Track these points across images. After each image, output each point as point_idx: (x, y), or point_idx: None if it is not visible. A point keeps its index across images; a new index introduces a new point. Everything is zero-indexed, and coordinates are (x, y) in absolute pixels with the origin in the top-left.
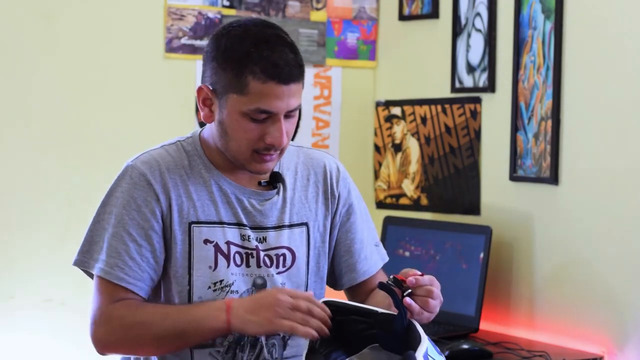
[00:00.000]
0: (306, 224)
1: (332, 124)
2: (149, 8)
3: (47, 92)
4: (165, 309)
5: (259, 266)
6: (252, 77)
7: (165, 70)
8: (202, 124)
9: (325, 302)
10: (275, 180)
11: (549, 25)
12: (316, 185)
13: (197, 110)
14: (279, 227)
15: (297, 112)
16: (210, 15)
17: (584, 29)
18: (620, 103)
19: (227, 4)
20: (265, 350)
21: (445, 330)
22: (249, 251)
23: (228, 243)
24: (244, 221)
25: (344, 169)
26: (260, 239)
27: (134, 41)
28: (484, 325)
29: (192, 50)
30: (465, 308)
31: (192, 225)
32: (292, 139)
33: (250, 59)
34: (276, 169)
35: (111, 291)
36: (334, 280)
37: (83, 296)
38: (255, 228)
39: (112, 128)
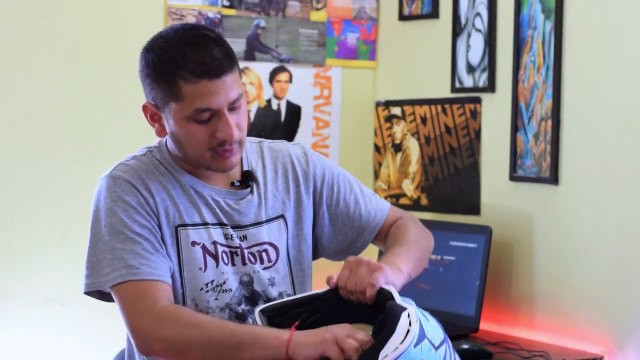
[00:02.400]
0: (282, 216)
1: (332, 124)
2: (149, 8)
3: (47, 92)
4: (220, 325)
5: (244, 264)
6: (183, 82)
7: None
8: None
9: (262, 310)
10: (248, 179)
11: (549, 25)
12: (285, 176)
13: None
14: (258, 224)
15: (243, 103)
16: (210, 15)
17: (584, 29)
18: (620, 103)
19: (227, 4)
20: None
21: (445, 330)
22: (234, 249)
23: (215, 243)
24: (225, 220)
25: (310, 149)
26: (241, 237)
27: (134, 41)
28: (484, 325)
29: None
30: (465, 308)
31: (179, 228)
32: (249, 131)
33: (177, 66)
34: (246, 168)
35: (146, 291)
36: (352, 248)
37: (83, 296)
38: (235, 227)
39: (112, 128)
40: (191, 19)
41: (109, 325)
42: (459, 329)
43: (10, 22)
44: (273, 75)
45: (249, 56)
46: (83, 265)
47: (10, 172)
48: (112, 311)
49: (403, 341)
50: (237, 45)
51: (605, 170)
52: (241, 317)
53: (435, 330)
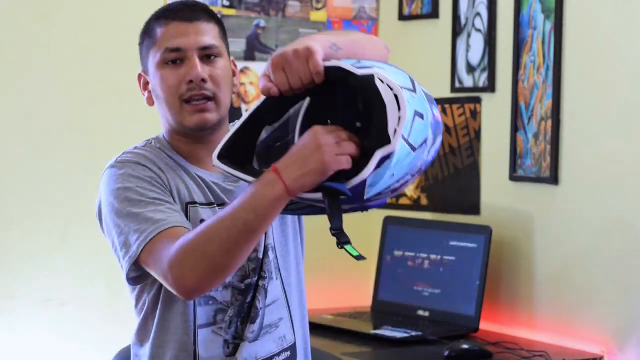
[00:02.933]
0: None
1: None
2: (149, 8)
3: (47, 92)
4: (216, 216)
5: None
6: (158, 26)
7: None
8: None
9: (219, 156)
10: None
11: (549, 25)
12: None
13: None
14: None
15: (223, 61)
16: None
17: (584, 29)
18: (620, 103)
19: (227, 4)
20: (262, 317)
21: (445, 330)
22: None
23: None
24: (227, 201)
25: None
26: None
27: (134, 41)
28: (484, 325)
29: None
30: (465, 308)
31: (189, 205)
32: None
33: (156, 18)
34: None
35: (173, 237)
36: None
37: (83, 296)
38: None
39: (112, 128)
40: None
41: (109, 325)
42: (459, 329)
43: (10, 22)
44: None
45: (249, 56)
46: (118, 256)
47: (11, 172)
48: (112, 311)
49: (400, 109)
50: (237, 45)
51: (605, 170)
52: (244, 293)
53: (399, 75)
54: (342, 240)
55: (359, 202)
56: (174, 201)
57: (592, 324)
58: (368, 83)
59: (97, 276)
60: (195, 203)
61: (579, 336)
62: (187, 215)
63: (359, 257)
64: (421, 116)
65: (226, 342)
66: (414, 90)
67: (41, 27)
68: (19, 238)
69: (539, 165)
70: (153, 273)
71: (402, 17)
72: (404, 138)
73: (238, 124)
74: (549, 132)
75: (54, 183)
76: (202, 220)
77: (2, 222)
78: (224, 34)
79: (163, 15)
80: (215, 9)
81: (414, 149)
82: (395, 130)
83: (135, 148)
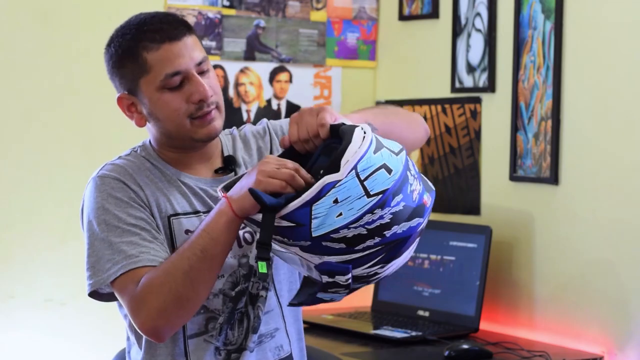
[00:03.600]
0: None
1: None
2: (149, 8)
3: (47, 92)
4: (175, 252)
5: (240, 246)
6: (146, 52)
7: None
8: None
9: (224, 187)
10: (230, 163)
11: (549, 25)
12: (259, 152)
13: None
14: None
15: (210, 67)
16: (210, 15)
17: (584, 29)
18: (620, 103)
19: (227, 4)
20: (253, 322)
21: (445, 330)
22: None
23: None
24: (214, 207)
25: (271, 120)
26: None
27: None
28: (484, 325)
29: None
30: (465, 308)
31: (171, 218)
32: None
33: (137, 40)
34: (226, 154)
35: (140, 275)
36: None
37: (83, 296)
38: None
39: (112, 128)
40: (191, 19)
41: (109, 325)
42: (459, 329)
43: (10, 22)
44: (273, 75)
45: (249, 56)
46: (84, 268)
47: (10, 172)
48: (112, 311)
49: (361, 146)
50: (237, 45)
51: (605, 170)
52: (234, 300)
53: (391, 142)
54: (261, 255)
55: (306, 236)
56: (154, 217)
57: (592, 324)
58: (351, 127)
59: None
60: (178, 214)
61: (579, 336)
62: (170, 229)
63: (263, 275)
64: (388, 170)
65: (217, 349)
66: (396, 154)
67: (41, 27)
68: (19, 238)
69: (539, 165)
70: (123, 303)
71: (402, 17)
72: (356, 172)
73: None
74: (549, 132)
75: (54, 183)
76: (187, 231)
77: (2, 222)
78: (195, 32)
79: (146, 38)
80: (215, 9)
81: (368, 194)
82: (348, 161)
83: (119, 158)
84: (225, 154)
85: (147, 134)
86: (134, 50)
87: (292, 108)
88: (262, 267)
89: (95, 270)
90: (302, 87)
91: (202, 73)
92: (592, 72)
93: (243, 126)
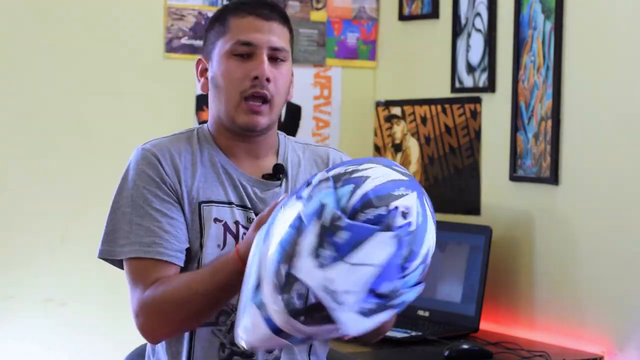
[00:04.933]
0: None
1: (332, 124)
2: (149, 8)
3: (47, 92)
4: (189, 281)
5: None
6: (232, 16)
7: (165, 70)
8: (201, 123)
9: None
10: (278, 172)
11: (549, 25)
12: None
13: (197, 111)
14: None
15: (287, 66)
16: (210, 15)
17: (584, 29)
18: (620, 103)
19: (227, 4)
20: None
21: (445, 330)
22: None
23: (237, 223)
24: (248, 205)
25: (347, 156)
26: None
27: (134, 41)
28: (484, 325)
29: (192, 50)
30: (465, 308)
31: (202, 204)
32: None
33: (231, 9)
34: (280, 161)
35: (151, 270)
36: None
37: (83, 296)
38: (258, 214)
39: (112, 128)
40: (191, 19)
41: (109, 325)
42: (459, 329)
43: (10, 22)
44: None
45: None
46: (101, 231)
47: (10, 172)
48: (112, 311)
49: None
50: None
51: (605, 170)
52: None
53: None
54: None
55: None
56: (183, 202)
57: (592, 324)
58: None
59: (97, 276)
60: (210, 202)
61: (579, 336)
62: (199, 214)
63: None
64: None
65: (222, 345)
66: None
67: (43, 27)
68: (19, 238)
69: (539, 165)
70: (127, 282)
71: (402, 17)
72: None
73: None
74: (549, 132)
75: (54, 183)
76: (215, 219)
77: (2, 222)
78: (292, 41)
79: (239, 8)
80: (215, 9)
81: (301, 223)
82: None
83: (173, 134)
84: (280, 161)
85: (144, 137)
86: (224, 15)
87: (292, 108)
88: None
89: (109, 239)
90: (302, 87)
91: (273, 60)
92: (592, 72)
93: (324, 146)
